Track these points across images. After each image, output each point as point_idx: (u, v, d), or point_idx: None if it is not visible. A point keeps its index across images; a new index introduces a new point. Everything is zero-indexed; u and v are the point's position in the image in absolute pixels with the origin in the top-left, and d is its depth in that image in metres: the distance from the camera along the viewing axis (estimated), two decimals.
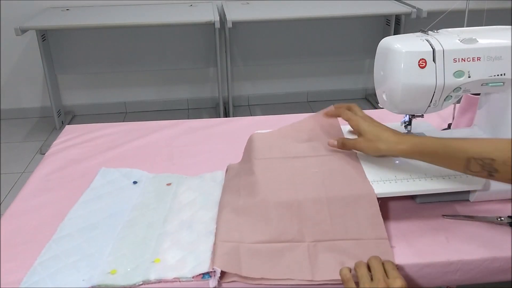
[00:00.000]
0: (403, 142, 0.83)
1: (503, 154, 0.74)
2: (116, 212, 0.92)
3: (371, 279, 0.71)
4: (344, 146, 0.93)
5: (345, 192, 0.86)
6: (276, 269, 0.77)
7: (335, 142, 0.94)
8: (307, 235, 0.82)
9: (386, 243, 0.80)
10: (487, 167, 0.75)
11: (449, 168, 0.81)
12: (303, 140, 1.02)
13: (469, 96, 1.13)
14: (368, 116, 0.93)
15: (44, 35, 2.87)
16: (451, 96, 0.91)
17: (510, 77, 0.89)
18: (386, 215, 0.90)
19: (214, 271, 0.75)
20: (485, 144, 0.77)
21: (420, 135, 0.86)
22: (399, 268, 0.78)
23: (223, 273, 0.75)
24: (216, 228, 0.84)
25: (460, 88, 0.90)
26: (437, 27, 0.94)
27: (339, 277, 0.75)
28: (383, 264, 0.74)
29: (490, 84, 0.90)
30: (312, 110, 3.34)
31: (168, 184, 1.01)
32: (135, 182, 1.03)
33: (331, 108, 1.02)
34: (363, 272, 0.72)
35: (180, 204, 0.94)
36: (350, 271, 0.74)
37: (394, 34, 1.16)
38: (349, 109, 0.97)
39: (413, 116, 0.98)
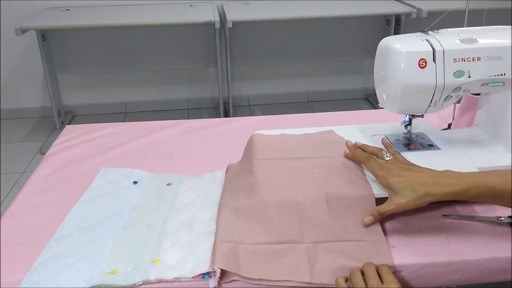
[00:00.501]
0: (450, 191, 0.77)
1: None
2: (116, 212, 0.92)
3: (366, 286, 0.71)
4: (383, 215, 0.83)
5: (345, 194, 0.86)
6: (275, 270, 0.77)
7: (371, 218, 0.83)
8: (306, 236, 0.82)
9: (384, 246, 0.81)
10: None
11: (498, 204, 0.81)
12: (304, 144, 1.02)
13: (469, 96, 1.13)
14: (396, 162, 0.86)
15: (44, 35, 2.87)
16: (451, 96, 0.91)
17: (510, 77, 0.89)
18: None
19: (214, 271, 0.75)
20: None
21: (460, 176, 0.79)
22: (398, 269, 0.78)
23: (223, 273, 0.75)
24: (216, 228, 0.84)
25: (460, 88, 0.90)
26: (437, 27, 0.94)
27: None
28: (378, 268, 0.74)
29: (490, 84, 0.90)
30: (312, 110, 3.34)
31: (168, 184, 1.01)
32: (135, 182, 1.03)
33: (350, 144, 0.95)
34: (357, 280, 0.72)
35: (180, 204, 0.94)
36: (346, 281, 0.74)
37: (394, 34, 1.16)
38: (373, 154, 0.91)
39: (413, 116, 0.99)
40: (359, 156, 0.91)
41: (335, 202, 0.85)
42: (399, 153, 0.92)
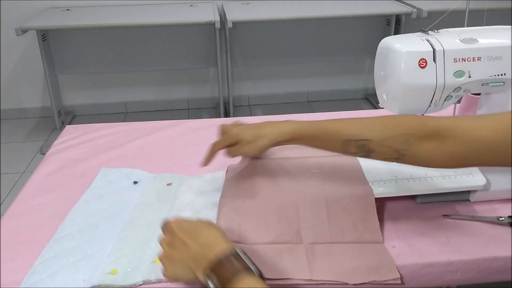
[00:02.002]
0: (281, 131, 0.82)
1: (378, 135, 0.74)
2: (117, 212, 0.92)
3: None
4: (229, 154, 0.89)
5: (344, 193, 0.86)
6: (274, 269, 0.77)
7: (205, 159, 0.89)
8: (305, 237, 0.82)
9: (382, 246, 0.81)
10: (363, 148, 0.76)
11: (329, 150, 0.82)
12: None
13: (469, 96, 1.13)
14: (243, 123, 0.91)
15: (44, 35, 2.87)
16: (452, 96, 0.91)
17: (511, 77, 0.89)
18: (386, 215, 0.90)
19: None
20: (360, 126, 0.77)
21: (298, 121, 0.84)
22: (399, 268, 0.78)
23: None
24: None
25: (461, 88, 0.90)
26: (437, 27, 0.94)
27: (336, 278, 0.75)
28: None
29: (490, 84, 0.90)
30: (312, 110, 3.34)
31: (169, 184, 1.01)
32: (135, 182, 1.03)
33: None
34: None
35: (181, 204, 0.94)
36: None
37: (394, 34, 1.16)
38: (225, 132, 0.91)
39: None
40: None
41: (333, 202, 0.85)
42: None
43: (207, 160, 0.90)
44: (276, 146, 0.85)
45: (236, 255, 0.64)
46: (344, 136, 0.77)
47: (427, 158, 0.73)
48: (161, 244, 0.72)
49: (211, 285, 0.63)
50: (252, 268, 0.64)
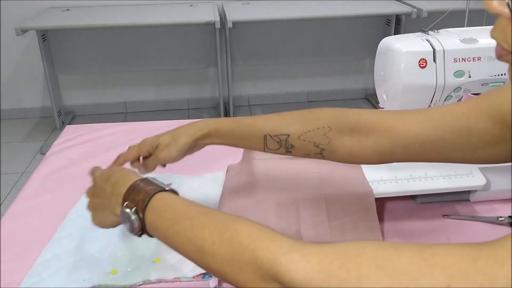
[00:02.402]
0: (199, 127, 0.76)
1: (296, 128, 0.72)
2: None
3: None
4: (147, 166, 0.80)
5: (344, 193, 0.86)
6: None
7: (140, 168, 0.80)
8: (305, 237, 0.82)
9: None
10: (283, 143, 0.73)
11: (250, 148, 0.78)
12: None
13: (469, 96, 1.13)
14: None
15: (44, 35, 2.87)
16: (452, 96, 0.91)
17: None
18: (386, 215, 0.90)
19: None
20: (279, 120, 0.74)
21: (218, 118, 0.79)
22: None
23: None
24: None
25: (461, 88, 0.90)
26: (437, 27, 0.94)
27: None
28: None
29: (490, 84, 0.90)
30: None
31: (169, 184, 1.01)
32: None
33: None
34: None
35: None
36: None
37: (394, 34, 1.16)
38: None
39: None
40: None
41: (333, 202, 0.85)
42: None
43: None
44: (195, 143, 0.78)
45: (147, 180, 0.62)
46: (262, 131, 0.73)
47: (347, 153, 0.71)
48: (86, 194, 0.70)
49: (129, 213, 0.58)
50: (166, 188, 0.61)
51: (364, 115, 0.70)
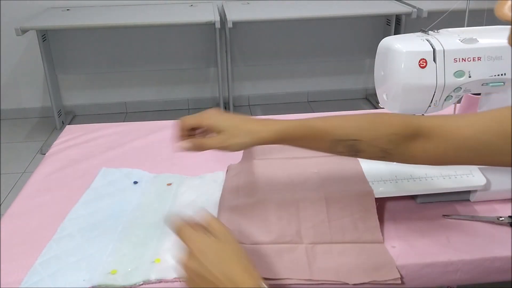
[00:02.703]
0: (266, 130, 0.75)
1: (367, 135, 0.73)
2: (117, 212, 0.92)
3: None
4: (200, 147, 0.76)
5: (344, 193, 0.86)
6: (274, 269, 0.77)
7: (187, 144, 0.77)
8: (305, 237, 0.82)
9: (382, 247, 0.81)
10: (352, 148, 0.74)
11: (316, 150, 0.78)
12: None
13: (469, 96, 1.13)
14: (223, 112, 0.80)
15: (44, 35, 2.87)
16: (452, 96, 0.91)
17: (511, 77, 0.89)
18: (386, 215, 0.90)
19: None
20: (349, 125, 0.75)
21: (284, 120, 0.77)
22: (399, 268, 0.78)
23: None
24: None
25: (461, 88, 0.90)
26: (437, 27, 0.94)
27: (336, 278, 0.75)
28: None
29: (490, 84, 0.90)
30: (312, 110, 3.34)
31: (169, 184, 1.01)
32: (135, 182, 1.03)
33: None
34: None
35: (181, 204, 0.94)
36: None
37: (394, 34, 1.16)
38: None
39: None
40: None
41: (333, 202, 0.85)
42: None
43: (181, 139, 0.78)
44: (260, 145, 0.76)
45: None
46: (333, 136, 0.74)
47: (411, 157, 0.74)
48: (184, 267, 0.65)
49: None
50: None
51: (424, 120, 0.73)
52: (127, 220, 0.90)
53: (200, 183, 1.01)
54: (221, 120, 0.77)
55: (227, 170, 1.04)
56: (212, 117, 0.78)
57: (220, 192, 0.96)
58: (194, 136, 0.79)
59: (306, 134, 0.76)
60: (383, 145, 0.73)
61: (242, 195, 0.90)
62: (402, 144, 0.73)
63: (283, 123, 0.76)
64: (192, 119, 0.78)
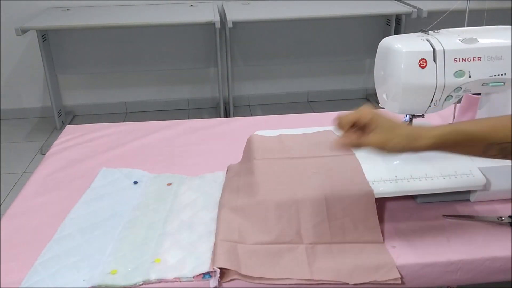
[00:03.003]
0: (425, 137, 0.74)
1: None
2: (117, 213, 0.92)
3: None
4: (360, 144, 0.75)
5: (344, 193, 0.86)
6: (275, 269, 0.77)
7: (347, 140, 0.76)
8: (305, 237, 0.82)
9: (382, 247, 0.81)
10: (505, 150, 0.74)
11: (467, 154, 0.79)
12: (303, 144, 1.02)
13: (469, 96, 1.13)
14: (378, 110, 0.78)
15: (44, 35, 2.87)
16: (452, 96, 0.91)
17: (511, 77, 0.89)
18: (386, 215, 0.90)
19: (215, 271, 0.75)
20: (503, 127, 0.75)
21: (437, 126, 0.76)
22: (399, 268, 0.78)
23: (223, 273, 0.75)
24: (216, 228, 0.84)
25: (461, 88, 0.90)
26: (437, 27, 0.94)
27: (336, 278, 0.75)
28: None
29: (490, 84, 0.90)
30: (312, 110, 3.34)
31: (169, 184, 1.01)
32: (135, 182, 1.03)
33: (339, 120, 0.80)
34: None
35: (181, 204, 0.94)
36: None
37: (394, 34, 1.16)
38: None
39: (413, 116, 0.98)
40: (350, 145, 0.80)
41: (334, 202, 0.85)
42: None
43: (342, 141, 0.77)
44: (413, 151, 0.76)
45: None
46: (488, 140, 0.74)
47: None
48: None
49: None
50: None
51: None
52: (127, 220, 0.90)
53: (200, 183, 1.01)
54: (381, 119, 0.76)
55: (227, 170, 1.04)
56: (371, 114, 0.76)
57: (220, 192, 0.96)
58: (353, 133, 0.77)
59: (462, 140, 0.75)
60: None
61: (242, 195, 0.90)
62: None
63: (439, 130, 0.75)
64: (352, 116, 0.78)
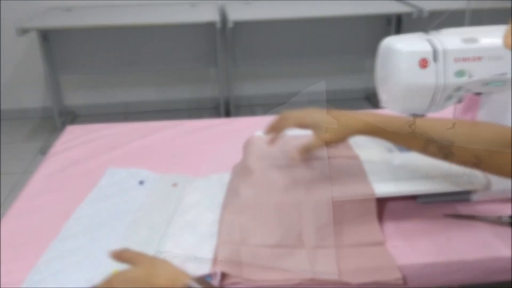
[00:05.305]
0: (363, 122, 0.79)
1: (463, 139, 0.74)
2: (121, 212, 0.92)
3: None
4: (309, 150, 0.83)
5: (346, 195, 0.86)
6: (276, 270, 0.77)
7: (298, 154, 0.83)
8: (307, 241, 0.82)
9: (383, 248, 0.81)
10: (444, 150, 0.74)
11: (408, 147, 0.80)
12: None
13: (470, 96, 1.13)
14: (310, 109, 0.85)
15: (45, 35, 2.87)
16: (453, 96, 0.91)
17: (511, 77, 0.89)
18: (387, 215, 0.90)
19: (216, 273, 0.75)
20: (447, 126, 0.76)
21: (379, 114, 0.81)
22: (400, 268, 0.78)
23: (224, 275, 0.75)
24: (218, 229, 0.84)
25: (462, 88, 0.90)
26: (438, 26, 0.94)
27: (339, 278, 0.75)
28: None
29: (491, 84, 0.90)
30: None
31: (174, 185, 1.01)
32: (141, 182, 1.02)
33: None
34: None
35: (185, 205, 0.94)
36: None
37: (395, 34, 1.16)
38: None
39: (414, 116, 0.98)
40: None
41: (336, 205, 0.85)
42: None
43: (271, 141, 0.88)
44: (354, 135, 0.81)
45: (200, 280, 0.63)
46: (427, 135, 0.75)
47: (505, 168, 0.73)
48: None
49: None
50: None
51: None
52: (131, 220, 0.90)
53: (205, 184, 1.01)
54: (311, 114, 0.83)
55: (232, 171, 1.04)
56: (306, 114, 0.83)
57: (224, 194, 0.96)
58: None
59: (403, 130, 0.76)
60: (477, 152, 0.73)
61: (243, 196, 0.90)
62: (496, 153, 0.72)
63: (379, 118, 0.78)
64: (292, 121, 0.84)
